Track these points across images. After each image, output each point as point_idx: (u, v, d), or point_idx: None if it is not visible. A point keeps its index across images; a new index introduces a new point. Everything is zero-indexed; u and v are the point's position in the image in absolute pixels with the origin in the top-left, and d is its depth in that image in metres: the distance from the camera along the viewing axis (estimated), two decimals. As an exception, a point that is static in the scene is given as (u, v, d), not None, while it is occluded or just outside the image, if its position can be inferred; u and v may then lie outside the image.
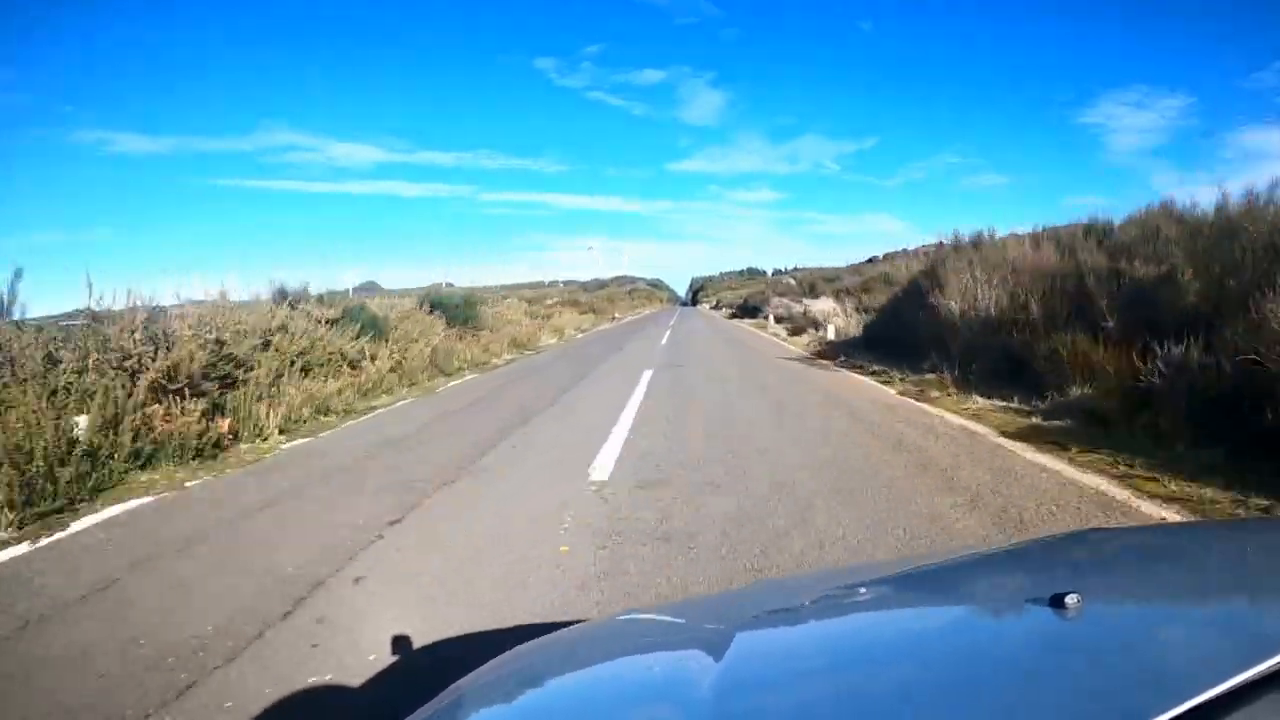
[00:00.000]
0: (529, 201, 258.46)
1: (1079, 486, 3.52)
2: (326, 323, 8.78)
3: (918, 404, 6.43)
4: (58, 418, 4.18)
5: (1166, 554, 0.96)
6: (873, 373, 8.77)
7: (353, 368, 8.21)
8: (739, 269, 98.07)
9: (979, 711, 0.52)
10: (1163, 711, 0.43)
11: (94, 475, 4.06)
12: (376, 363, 8.39)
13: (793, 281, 32.07)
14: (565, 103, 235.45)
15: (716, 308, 55.60)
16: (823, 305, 16.87)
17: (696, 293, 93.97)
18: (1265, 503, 3.13)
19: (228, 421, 5.48)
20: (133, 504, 3.91)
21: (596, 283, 77.54)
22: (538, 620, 2.23)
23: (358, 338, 8.91)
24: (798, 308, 20.21)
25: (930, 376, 7.87)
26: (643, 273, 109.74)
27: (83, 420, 4.36)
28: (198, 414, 5.09)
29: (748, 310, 33.39)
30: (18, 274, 5.57)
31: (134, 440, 4.50)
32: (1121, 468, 3.83)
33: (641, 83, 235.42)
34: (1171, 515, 3.06)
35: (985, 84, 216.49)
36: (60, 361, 4.91)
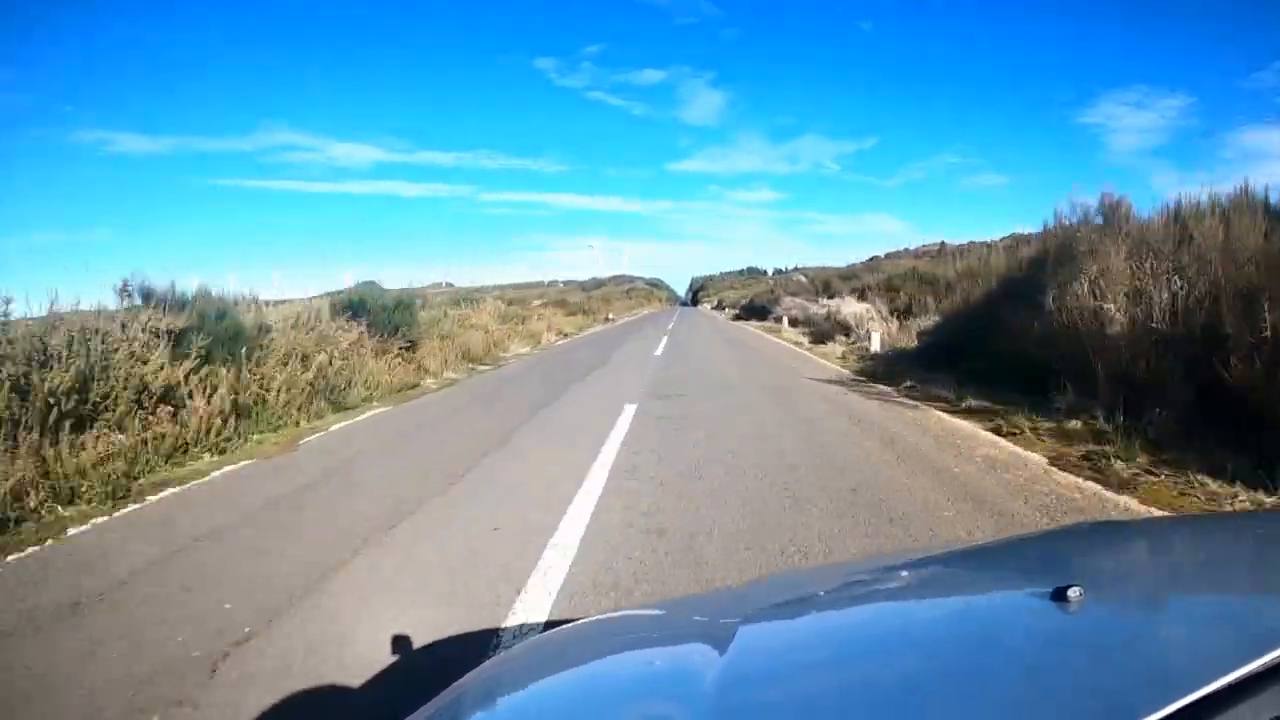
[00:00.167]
0: (529, 201, 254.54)
1: None
2: (166, 335, 5.87)
3: (1113, 495, 3.49)
4: None
5: (1168, 548, 0.95)
6: (969, 411, 5.82)
7: (174, 409, 5.27)
8: (739, 269, 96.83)
9: (981, 705, 0.52)
10: (1164, 705, 0.42)
11: None
12: (211, 400, 5.44)
13: (804, 279, 28.95)
14: (565, 103, 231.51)
15: (718, 308, 52.71)
16: (853, 307, 13.88)
17: (697, 293, 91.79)
18: None
19: None
20: None
21: (594, 282, 75.19)
22: None
23: (203, 359, 5.98)
24: (817, 310, 17.24)
25: (1075, 425, 4.93)
26: (643, 272, 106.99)
27: None
28: None
29: (754, 311, 30.34)
30: None
31: None
32: None
33: (641, 83, 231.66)
34: None
35: (985, 84, 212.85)
36: None
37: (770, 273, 74.03)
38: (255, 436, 5.70)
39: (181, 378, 5.39)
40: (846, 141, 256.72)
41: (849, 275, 25.98)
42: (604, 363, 11.14)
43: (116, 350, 5.23)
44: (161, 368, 5.31)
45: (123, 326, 5.73)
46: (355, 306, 9.73)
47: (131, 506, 3.89)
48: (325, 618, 2.33)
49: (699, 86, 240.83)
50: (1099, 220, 6.37)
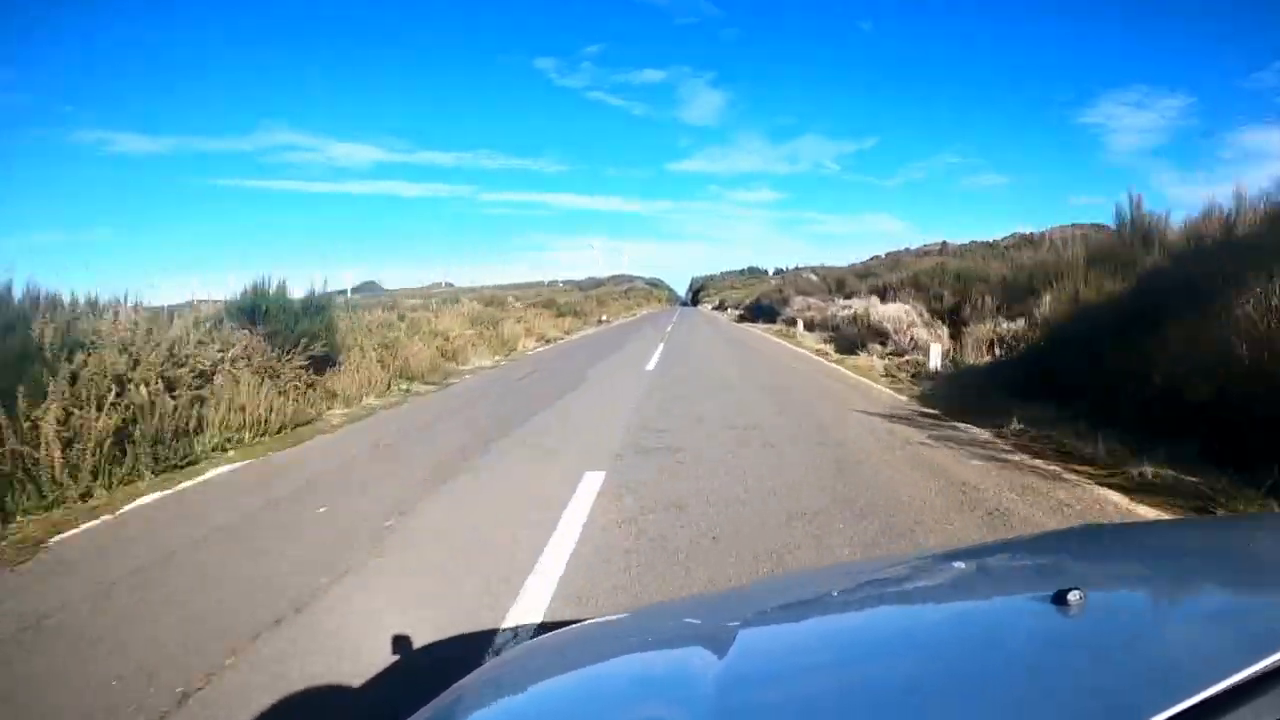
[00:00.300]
0: (529, 201, 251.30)
1: None
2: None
3: None
4: None
5: (1168, 550, 0.93)
6: (1150, 488, 3.48)
7: None
8: (739, 269, 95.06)
9: (982, 707, 0.51)
10: (1166, 708, 0.42)
11: None
12: None
13: (815, 278, 26.55)
14: (565, 103, 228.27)
15: (719, 309, 50.40)
16: (885, 309, 11.49)
17: (697, 293, 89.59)
18: None
19: None
20: None
21: (592, 282, 72.89)
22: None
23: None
24: (837, 311, 14.88)
25: None
26: (643, 272, 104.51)
27: None
28: None
29: (761, 312, 27.93)
30: None
31: None
32: None
33: (641, 83, 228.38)
34: None
35: (985, 84, 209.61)
36: None
37: (771, 272, 71.87)
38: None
39: None
40: (846, 141, 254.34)
41: (865, 273, 23.60)
42: (578, 384, 8.75)
43: None
44: None
45: None
46: (250, 310, 7.42)
47: None
48: None
49: (699, 86, 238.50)
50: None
